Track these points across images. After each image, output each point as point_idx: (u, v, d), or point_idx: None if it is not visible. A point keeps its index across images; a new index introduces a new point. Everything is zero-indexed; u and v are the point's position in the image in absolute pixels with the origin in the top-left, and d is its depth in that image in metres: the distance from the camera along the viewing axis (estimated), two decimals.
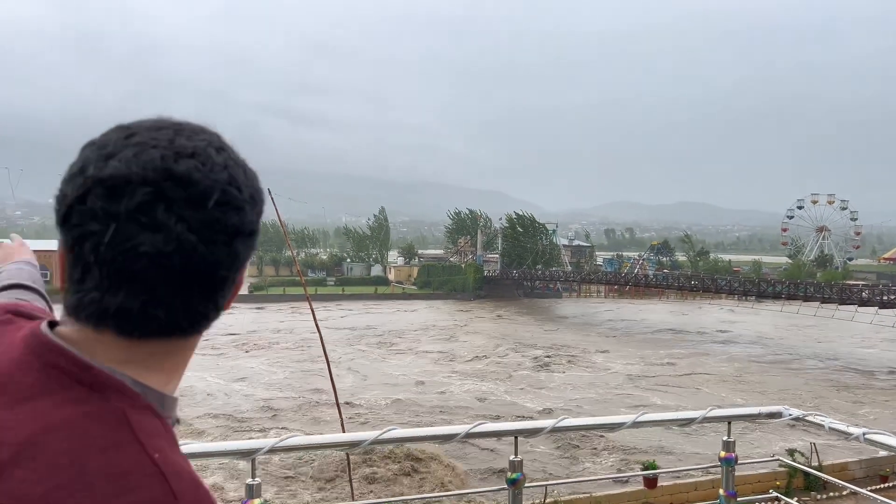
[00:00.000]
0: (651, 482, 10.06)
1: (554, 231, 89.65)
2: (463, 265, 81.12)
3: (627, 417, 2.56)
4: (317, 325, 9.58)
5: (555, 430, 2.51)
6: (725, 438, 2.65)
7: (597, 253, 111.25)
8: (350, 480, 5.80)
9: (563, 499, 12.03)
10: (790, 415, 2.58)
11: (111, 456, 0.60)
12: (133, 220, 0.61)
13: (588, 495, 12.01)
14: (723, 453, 2.64)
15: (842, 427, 2.43)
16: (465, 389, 27.72)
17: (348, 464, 5.43)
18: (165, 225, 0.61)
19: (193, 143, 0.65)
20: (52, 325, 0.69)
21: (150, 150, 0.63)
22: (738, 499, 2.60)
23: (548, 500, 11.71)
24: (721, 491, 2.65)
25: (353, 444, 2.39)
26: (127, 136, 0.65)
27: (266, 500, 2.31)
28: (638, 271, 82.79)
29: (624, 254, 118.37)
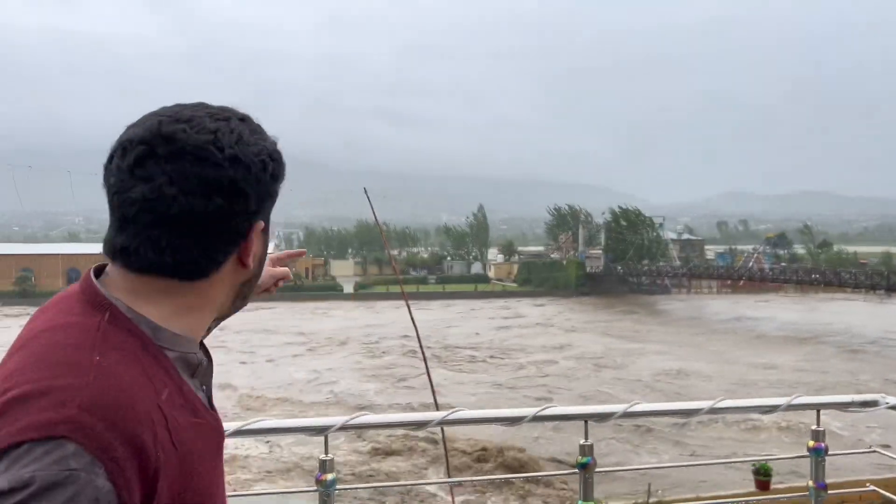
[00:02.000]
0: (763, 484, 9.59)
1: (661, 225, 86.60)
2: (564, 262, 79.98)
3: (704, 403, 2.46)
4: (413, 322, 9.86)
5: (626, 414, 2.45)
6: (814, 427, 2.48)
7: (708, 247, 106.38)
8: (447, 458, 5.90)
9: (666, 499, 11.67)
10: (887, 403, 2.38)
11: (69, 351, 0.76)
12: (131, 173, 0.79)
13: (695, 496, 11.61)
14: (811, 443, 2.48)
15: None
16: (344, 386, 27.46)
17: (444, 442, 5.52)
18: (152, 177, 0.78)
19: (193, 113, 0.82)
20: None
21: (156, 117, 0.82)
22: (830, 492, 2.43)
23: (651, 501, 11.40)
24: (810, 483, 2.49)
25: (421, 424, 2.44)
26: (158, 112, 0.84)
27: (338, 475, 2.40)
28: (753, 265, 78.54)
29: (737, 247, 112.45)
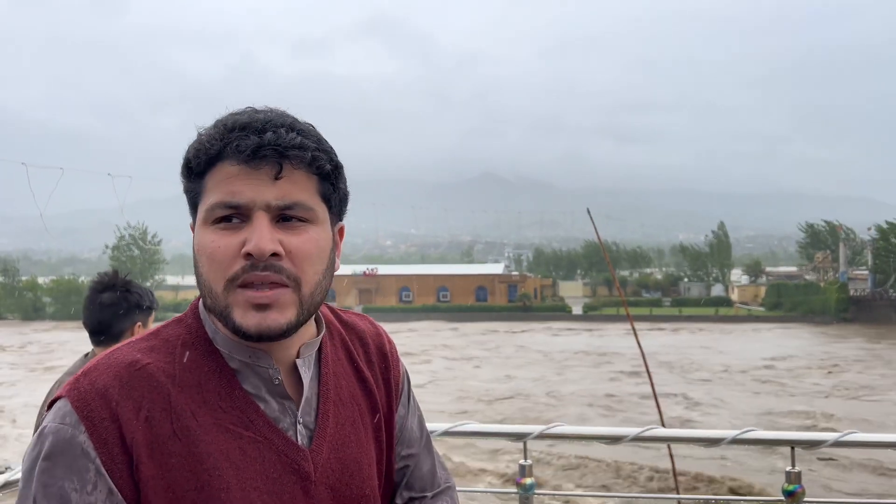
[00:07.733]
0: None
1: None
2: (822, 284, 71.11)
3: None
4: (638, 343, 9.65)
5: (838, 443, 2.30)
6: None
7: None
8: (675, 474, 5.72)
9: None
10: None
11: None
12: None
13: None
14: None
15: None
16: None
17: (671, 456, 5.39)
18: None
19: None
20: None
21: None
22: None
23: None
24: None
25: (616, 439, 2.52)
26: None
27: (536, 480, 2.57)
28: None
29: None
